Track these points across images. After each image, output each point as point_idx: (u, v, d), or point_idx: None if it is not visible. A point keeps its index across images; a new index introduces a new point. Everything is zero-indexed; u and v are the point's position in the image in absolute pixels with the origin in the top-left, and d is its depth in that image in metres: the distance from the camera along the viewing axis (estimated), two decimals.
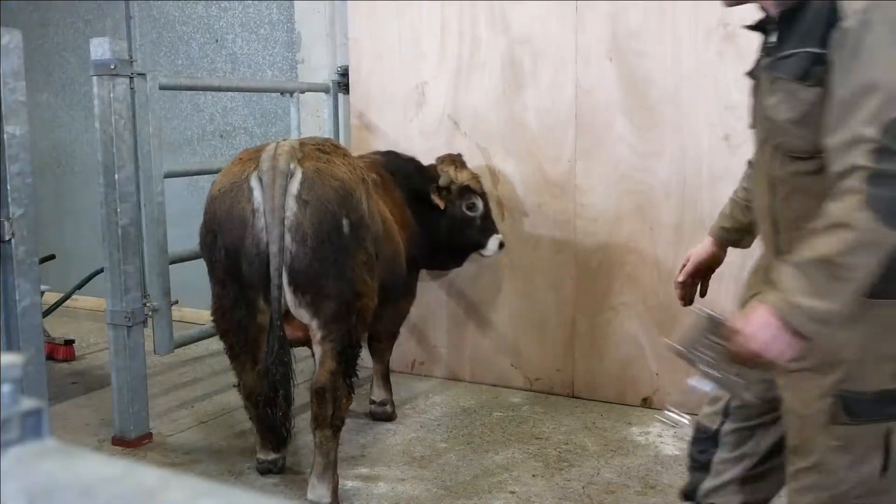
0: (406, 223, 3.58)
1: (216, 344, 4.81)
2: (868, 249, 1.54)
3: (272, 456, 3.21)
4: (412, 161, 3.84)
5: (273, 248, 2.67)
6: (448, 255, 3.86)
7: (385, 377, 3.83)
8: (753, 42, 3.78)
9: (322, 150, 2.92)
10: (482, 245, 3.76)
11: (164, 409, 3.93)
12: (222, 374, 4.48)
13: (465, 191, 3.71)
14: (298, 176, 2.76)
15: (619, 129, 3.84)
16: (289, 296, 2.76)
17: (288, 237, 2.70)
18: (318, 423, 2.84)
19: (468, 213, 3.71)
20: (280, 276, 2.69)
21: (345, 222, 2.78)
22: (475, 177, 3.78)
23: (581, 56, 3.90)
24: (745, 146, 3.41)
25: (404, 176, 3.69)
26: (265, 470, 3.22)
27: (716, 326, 1.73)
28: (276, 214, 2.68)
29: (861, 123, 1.56)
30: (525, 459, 3.35)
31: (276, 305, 2.71)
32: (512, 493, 3.06)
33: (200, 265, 4.24)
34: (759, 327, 1.62)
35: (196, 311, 5.35)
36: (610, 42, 3.83)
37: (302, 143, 2.94)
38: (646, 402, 3.94)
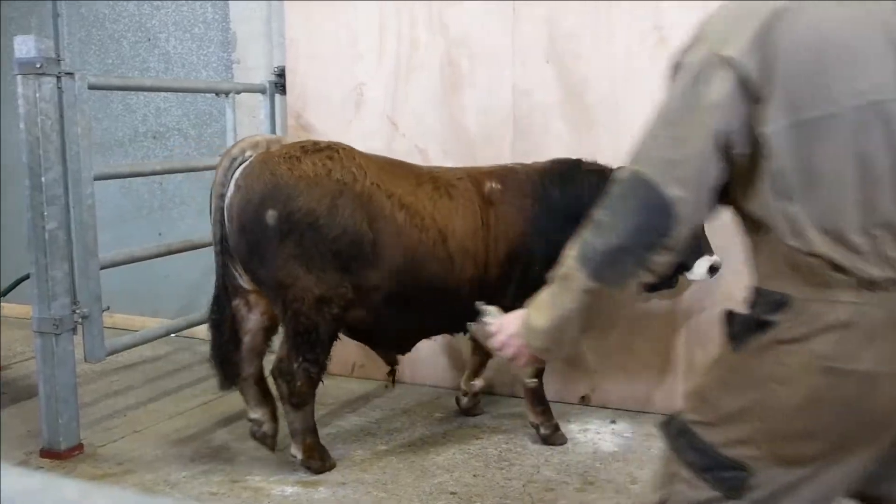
0: (514, 238, 3.28)
1: (150, 350, 4.74)
2: (565, 286, 1.55)
3: (254, 415, 3.29)
4: (597, 173, 3.33)
5: (211, 219, 3.14)
6: None
7: (531, 397, 3.52)
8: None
9: (304, 149, 3.09)
10: (686, 267, 3.26)
11: (95, 419, 3.82)
12: (157, 381, 4.38)
13: None
14: (246, 163, 3.07)
15: (557, 131, 3.88)
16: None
17: (225, 215, 3.07)
18: (280, 398, 3.19)
19: None
20: (218, 242, 3.11)
21: (270, 213, 2.96)
22: None
23: (518, 58, 3.94)
24: None
25: (568, 189, 3.32)
26: (251, 432, 3.31)
27: (483, 318, 1.83)
28: (215, 190, 3.09)
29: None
30: (466, 460, 3.36)
31: (218, 269, 3.15)
32: (453, 493, 3.06)
33: (133, 270, 4.16)
34: (503, 327, 1.72)
35: (128, 316, 5.23)
36: (547, 44, 3.87)
37: (306, 140, 3.26)
38: (584, 400, 3.99)
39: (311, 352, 3.08)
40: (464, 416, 3.82)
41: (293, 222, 2.97)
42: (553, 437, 3.50)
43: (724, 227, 3.63)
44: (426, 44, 4.10)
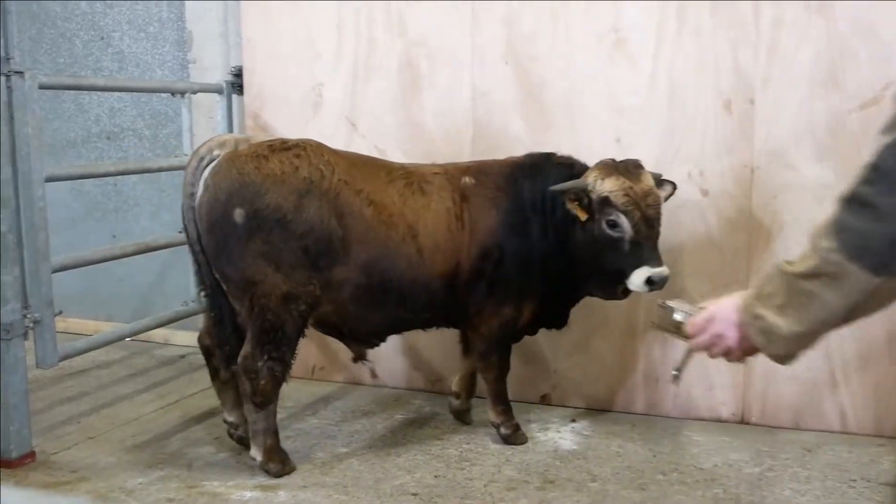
0: (486, 233, 3.26)
1: (104, 355, 4.65)
2: (827, 283, 1.34)
3: (230, 418, 3.37)
4: (567, 166, 3.33)
5: (184, 220, 3.16)
6: (590, 280, 3.30)
7: (493, 396, 3.51)
8: (643, 47, 3.91)
9: (272, 148, 3.08)
10: (625, 275, 3.06)
11: (48, 426, 3.73)
12: (111, 387, 4.30)
13: (605, 203, 3.06)
14: (214, 162, 3.07)
15: (516, 131, 3.90)
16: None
17: (196, 214, 3.08)
18: (244, 396, 3.15)
19: (609, 232, 3.07)
20: (196, 242, 3.12)
21: (237, 212, 2.98)
22: (624, 189, 3.04)
23: (477, 59, 3.95)
24: (636, 148, 3.53)
25: (538, 182, 3.28)
26: (228, 434, 3.40)
27: (674, 314, 1.74)
28: (185, 190, 3.12)
29: (881, 130, 1.31)
30: (427, 461, 3.36)
31: (203, 268, 3.17)
32: (414, 494, 3.05)
33: (86, 273, 4.07)
34: (708, 324, 1.58)
35: (82, 321, 5.13)
36: (505, 45, 3.89)
37: (275, 139, 3.22)
38: (545, 399, 4.01)
39: (276, 350, 3.07)
40: (456, 419, 3.75)
41: (261, 220, 2.98)
42: (514, 437, 3.51)
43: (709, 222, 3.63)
44: (385, 44, 4.09)
